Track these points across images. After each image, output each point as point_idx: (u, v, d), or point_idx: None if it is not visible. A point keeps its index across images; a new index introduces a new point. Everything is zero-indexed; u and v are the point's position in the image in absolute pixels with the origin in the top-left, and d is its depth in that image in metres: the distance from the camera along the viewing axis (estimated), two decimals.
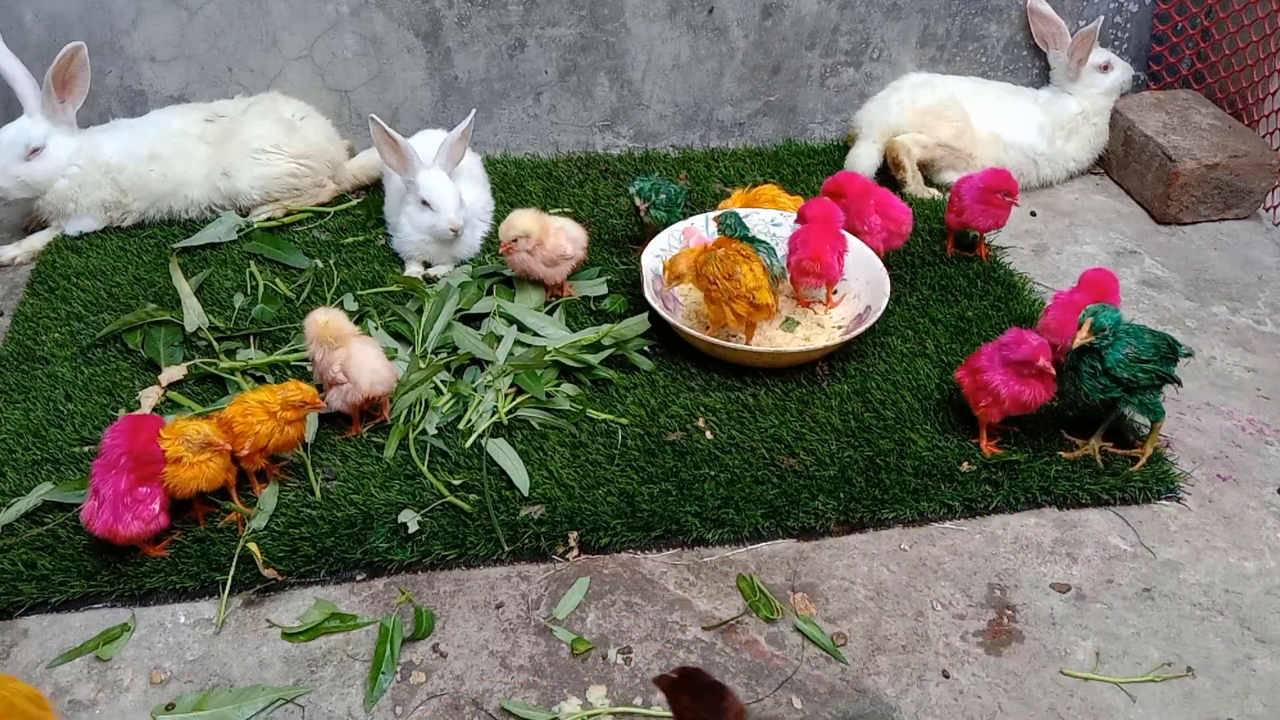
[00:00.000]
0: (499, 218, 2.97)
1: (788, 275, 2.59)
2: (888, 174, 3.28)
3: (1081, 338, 2.11)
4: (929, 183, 3.28)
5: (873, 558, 2.11)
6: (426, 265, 2.90)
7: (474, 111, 2.83)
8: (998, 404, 2.20)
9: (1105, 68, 3.37)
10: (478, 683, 1.86)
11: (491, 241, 2.94)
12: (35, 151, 2.85)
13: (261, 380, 2.43)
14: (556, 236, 2.63)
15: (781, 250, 2.60)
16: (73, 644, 1.91)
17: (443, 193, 2.73)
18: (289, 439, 2.10)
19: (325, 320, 2.27)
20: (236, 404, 2.07)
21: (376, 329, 2.57)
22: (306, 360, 2.47)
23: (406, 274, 2.85)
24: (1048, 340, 2.21)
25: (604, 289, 2.75)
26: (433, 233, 2.76)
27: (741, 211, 2.66)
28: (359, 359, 2.23)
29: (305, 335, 2.30)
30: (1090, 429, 2.32)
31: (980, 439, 2.29)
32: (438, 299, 2.62)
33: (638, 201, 2.80)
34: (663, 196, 2.81)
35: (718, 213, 2.58)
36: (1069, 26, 3.44)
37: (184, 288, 2.69)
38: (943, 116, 3.26)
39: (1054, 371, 2.19)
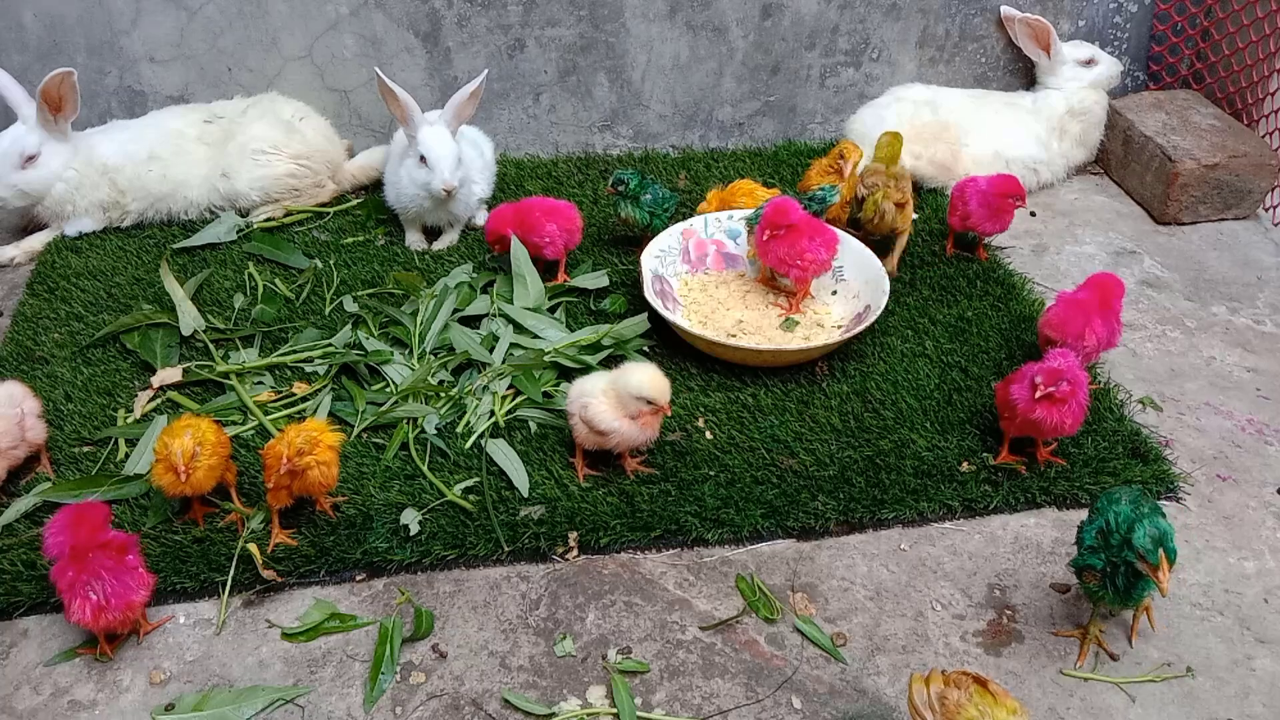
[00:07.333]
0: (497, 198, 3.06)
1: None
2: None
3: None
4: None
5: (872, 558, 2.11)
6: (428, 235, 2.92)
7: (485, 71, 2.87)
8: (1012, 418, 2.18)
9: (1089, 62, 3.35)
10: (478, 683, 1.86)
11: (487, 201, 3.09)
12: (30, 159, 2.84)
13: (260, 383, 2.44)
14: None
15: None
16: (73, 644, 1.91)
17: (442, 151, 2.76)
18: (309, 482, 1.99)
19: None
20: (285, 431, 2.00)
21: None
22: (304, 361, 2.48)
23: (406, 243, 2.92)
24: (1060, 350, 2.18)
25: (605, 280, 2.75)
26: (427, 189, 2.79)
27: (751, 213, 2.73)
28: None
29: None
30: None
31: (1003, 449, 2.27)
32: (435, 300, 2.62)
33: (609, 187, 2.82)
34: (647, 196, 2.81)
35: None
36: (1069, 27, 3.44)
37: (177, 292, 2.65)
38: (940, 138, 3.22)
39: (1055, 399, 2.09)
